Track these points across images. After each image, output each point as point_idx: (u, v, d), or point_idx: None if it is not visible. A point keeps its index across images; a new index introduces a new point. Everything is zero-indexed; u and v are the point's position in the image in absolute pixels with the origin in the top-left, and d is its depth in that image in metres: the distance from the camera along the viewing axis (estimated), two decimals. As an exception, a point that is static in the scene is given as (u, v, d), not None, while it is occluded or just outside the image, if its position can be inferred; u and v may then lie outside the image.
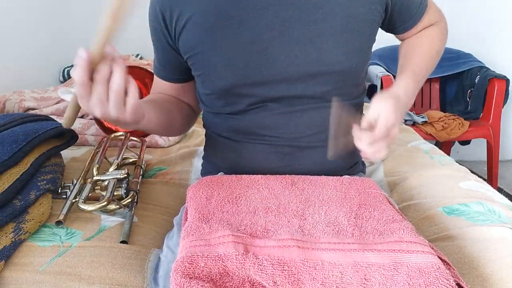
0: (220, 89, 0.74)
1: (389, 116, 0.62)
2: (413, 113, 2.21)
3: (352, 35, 0.70)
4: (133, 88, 0.55)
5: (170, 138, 1.30)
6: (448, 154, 2.17)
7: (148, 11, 0.75)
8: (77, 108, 0.57)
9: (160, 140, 1.28)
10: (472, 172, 1.01)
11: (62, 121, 0.59)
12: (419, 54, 0.79)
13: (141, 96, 1.26)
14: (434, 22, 0.84)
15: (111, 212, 0.80)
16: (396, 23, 0.80)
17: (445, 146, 2.45)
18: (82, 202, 0.79)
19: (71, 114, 0.58)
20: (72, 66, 2.21)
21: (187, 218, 0.63)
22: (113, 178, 0.86)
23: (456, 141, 2.45)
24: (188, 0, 0.70)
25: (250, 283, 0.48)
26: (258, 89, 0.72)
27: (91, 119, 1.32)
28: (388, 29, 0.82)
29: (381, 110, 0.62)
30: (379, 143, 0.62)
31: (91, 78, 0.52)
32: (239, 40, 0.70)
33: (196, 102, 0.87)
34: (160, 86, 0.84)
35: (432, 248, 0.55)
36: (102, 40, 0.52)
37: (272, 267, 0.49)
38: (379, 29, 0.79)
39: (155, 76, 0.84)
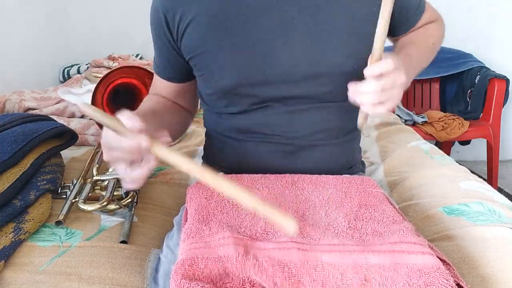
0: (222, 89, 0.74)
1: (396, 60, 0.59)
2: (413, 113, 2.21)
3: (354, 36, 0.70)
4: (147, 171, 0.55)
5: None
6: (448, 154, 2.16)
7: (150, 12, 0.75)
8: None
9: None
10: (472, 172, 1.01)
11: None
12: (415, 43, 0.79)
13: (141, 96, 1.26)
14: (431, 21, 0.84)
15: (111, 212, 0.80)
16: (394, 25, 0.80)
17: (445, 146, 2.45)
18: (82, 202, 0.79)
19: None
20: (72, 66, 2.22)
21: (187, 218, 0.63)
22: (113, 178, 0.86)
23: (456, 141, 2.45)
24: (191, 0, 0.70)
25: (250, 284, 0.48)
26: (260, 89, 0.72)
27: (91, 119, 1.32)
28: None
29: (388, 58, 0.59)
30: (383, 93, 0.59)
31: None
32: (242, 41, 0.70)
33: (193, 104, 0.88)
34: (159, 85, 0.84)
35: (432, 248, 0.55)
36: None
37: (272, 268, 0.49)
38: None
39: (154, 75, 0.84)
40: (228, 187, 0.49)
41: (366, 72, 0.60)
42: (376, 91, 0.59)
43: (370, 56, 0.61)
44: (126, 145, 0.51)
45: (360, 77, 0.77)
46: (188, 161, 0.51)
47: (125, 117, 0.51)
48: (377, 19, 0.72)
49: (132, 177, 0.54)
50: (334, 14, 0.69)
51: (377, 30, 0.60)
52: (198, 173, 0.50)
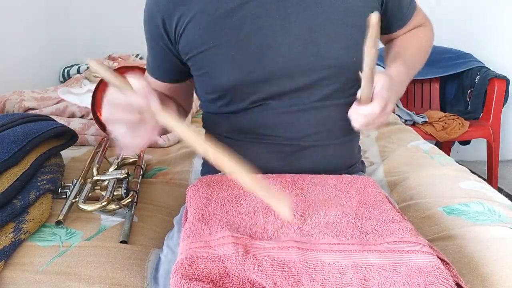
0: (222, 87, 0.74)
1: (384, 90, 0.64)
2: (413, 113, 2.20)
3: (351, 28, 0.71)
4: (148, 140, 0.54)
5: (170, 138, 1.30)
6: (448, 154, 2.17)
7: (144, 14, 0.75)
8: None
9: (160, 140, 1.28)
10: (472, 172, 1.01)
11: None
12: (409, 50, 0.81)
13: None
14: (421, 24, 0.86)
15: (111, 212, 0.80)
16: (389, 20, 0.81)
17: (445, 146, 2.45)
18: (82, 202, 0.79)
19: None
20: (72, 66, 2.22)
21: (187, 218, 0.63)
22: (113, 178, 0.87)
23: (456, 141, 2.45)
24: (188, 2, 0.70)
25: (250, 284, 0.48)
26: (260, 85, 0.73)
27: (91, 119, 1.32)
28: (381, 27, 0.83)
29: (377, 85, 0.64)
30: (374, 118, 0.64)
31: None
32: (240, 37, 0.70)
33: (187, 102, 0.87)
34: (152, 84, 0.83)
35: (432, 248, 0.55)
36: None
37: (272, 268, 0.49)
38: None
39: (147, 73, 0.83)
40: (229, 164, 0.49)
41: (351, 114, 0.66)
42: (364, 124, 0.66)
43: (358, 95, 0.65)
44: (135, 102, 0.49)
45: (357, 69, 0.77)
46: (193, 134, 0.51)
47: (135, 79, 0.50)
48: (373, 10, 0.73)
49: (131, 141, 0.53)
50: (331, 7, 0.70)
51: (363, 75, 0.62)
52: (201, 147, 0.51)
